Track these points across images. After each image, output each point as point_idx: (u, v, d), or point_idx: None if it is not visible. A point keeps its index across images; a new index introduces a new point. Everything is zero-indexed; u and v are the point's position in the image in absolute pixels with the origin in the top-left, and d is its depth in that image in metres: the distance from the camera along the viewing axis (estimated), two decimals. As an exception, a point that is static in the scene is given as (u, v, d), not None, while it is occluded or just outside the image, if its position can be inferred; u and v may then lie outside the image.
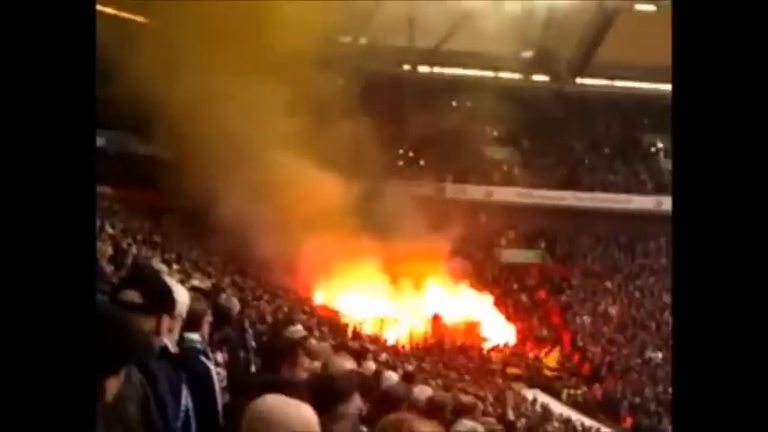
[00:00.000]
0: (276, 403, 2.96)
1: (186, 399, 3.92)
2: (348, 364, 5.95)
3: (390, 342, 35.66)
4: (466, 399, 9.11)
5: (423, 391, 7.64)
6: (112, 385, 2.51)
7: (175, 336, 4.05)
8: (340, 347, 11.76)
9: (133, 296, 3.48)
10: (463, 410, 7.08)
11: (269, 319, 14.71)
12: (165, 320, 3.66)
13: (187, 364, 4.22)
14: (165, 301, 3.66)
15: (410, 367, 18.44)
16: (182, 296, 4.07)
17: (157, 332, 3.61)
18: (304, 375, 5.24)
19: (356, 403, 3.90)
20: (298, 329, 7.88)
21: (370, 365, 9.74)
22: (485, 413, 14.94)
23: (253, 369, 7.49)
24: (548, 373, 38.27)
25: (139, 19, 38.81)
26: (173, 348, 3.86)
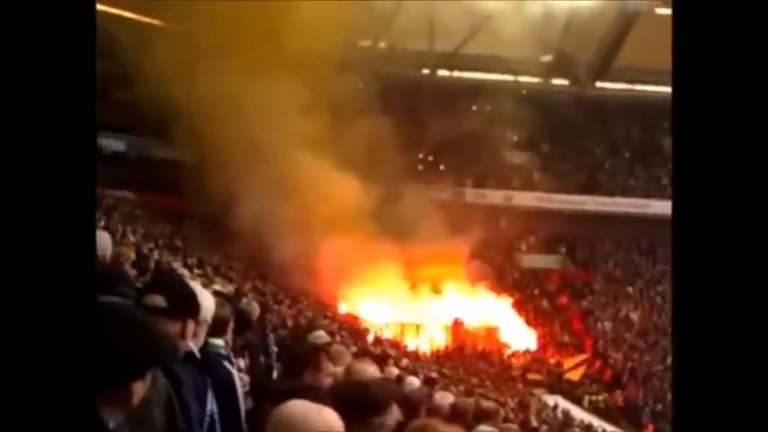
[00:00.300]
0: (299, 408, 2.95)
1: (212, 404, 3.91)
2: (370, 369, 5.91)
3: (411, 348, 35.64)
4: (487, 404, 9.06)
5: (444, 397, 7.61)
6: (139, 389, 2.50)
7: (201, 341, 4.03)
8: (362, 353, 11.75)
9: (158, 300, 3.47)
10: (484, 416, 7.04)
11: (290, 323, 14.71)
12: (190, 325, 3.64)
13: (211, 369, 4.21)
14: (190, 306, 3.64)
15: (432, 374, 18.39)
16: (207, 301, 4.06)
17: (182, 337, 3.59)
18: (328, 381, 5.22)
19: (394, 415, 3.82)
20: (321, 335, 7.87)
21: (392, 371, 9.72)
22: (506, 419, 14.88)
23: (275, 374, 7.47)
24: (569, 378, 38.14)
25: (157, 23, 38.97)
26: (197, 353, 3.84)
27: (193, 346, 3.79)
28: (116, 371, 2.43)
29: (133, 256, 9.59)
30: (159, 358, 2.71)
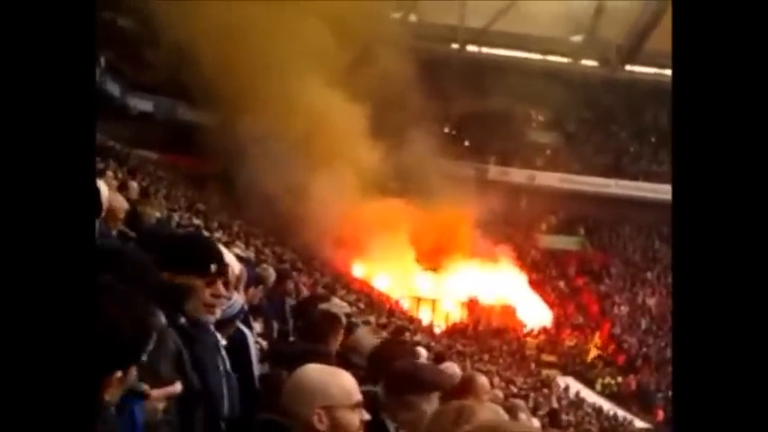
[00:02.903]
0: (315, 372, 2.99)
1: (224, 363, 3.94)
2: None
3: (425, 322, 35.74)
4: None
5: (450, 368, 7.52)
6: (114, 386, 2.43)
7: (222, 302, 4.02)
8: (377, 325, 11.81)
9: (181, 259, 3.48)
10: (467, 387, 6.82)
11: (306, 292, 14.77)
12: (219, 289, 3.61)
13: (225, 329, 4.24)
14: (217, 265, 3.60)
15: (445, 349, 18.52)
16: (231, 262, 4.08)
17: (213, 295, 3.57)
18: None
19: (433, 403, 3.85)
20: (340, 304, 7.91)
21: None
22: (515, 396, 14.96)
23: (290, 340, 7.51)
24: (589, 354, 38.07)
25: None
26: (219, 313, 3.86)
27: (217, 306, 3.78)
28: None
29: (156, 215, 9.65)
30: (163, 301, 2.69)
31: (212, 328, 3.80)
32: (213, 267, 3.55)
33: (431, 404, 3.82)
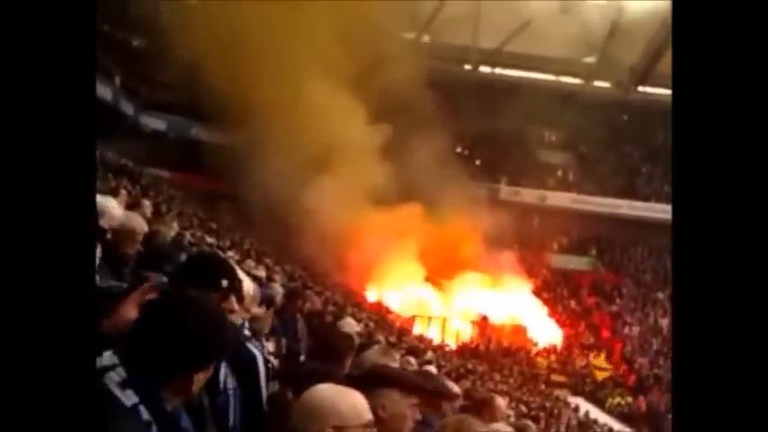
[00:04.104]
0: (328, 392, 2.99)
1: (226, 378, 3.94)
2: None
3: (436, 341, 35.61)
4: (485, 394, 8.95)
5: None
6: (200, 379, 2.53)
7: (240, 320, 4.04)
8: (389, 344, 11.82)
9: (200, 278, 3.48)
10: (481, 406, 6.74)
11: (318, 310, 14.78)
12: (234, 304, 3.63)
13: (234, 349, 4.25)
14: (232, 284, 3.63)
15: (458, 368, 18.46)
16: (246, 281, 4.09)
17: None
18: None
19: (391, 401, 3.76)
20: (353, 323, 7.92)
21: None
22: (525, 416, 14.92)
23: (301, 359, 7.52)
24: (597, 373, 37.87)
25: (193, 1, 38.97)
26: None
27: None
28: (183, 360, 2.46)
29: (171, 234, 9.68)
30: (226, 349, 2.71)
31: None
32: (225, 283, 3.55)
33: (387, 399, 3.69)
